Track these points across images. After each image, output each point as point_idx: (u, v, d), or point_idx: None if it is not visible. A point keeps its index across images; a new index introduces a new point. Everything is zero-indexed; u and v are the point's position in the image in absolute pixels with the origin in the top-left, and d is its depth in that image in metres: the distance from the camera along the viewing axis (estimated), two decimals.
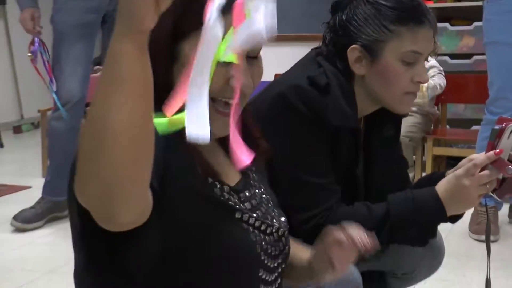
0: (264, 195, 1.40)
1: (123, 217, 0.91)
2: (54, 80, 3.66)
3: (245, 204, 1.31)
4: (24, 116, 7.01)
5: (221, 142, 1.33)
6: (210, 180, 1.25)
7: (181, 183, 1.09)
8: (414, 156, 4.40)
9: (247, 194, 1.34)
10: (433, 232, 1.81)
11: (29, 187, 4.64)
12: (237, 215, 1.27)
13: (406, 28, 1.76)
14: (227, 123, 1.15)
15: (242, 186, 1.34)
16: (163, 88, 1.10)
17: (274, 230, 1.34)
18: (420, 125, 4.32)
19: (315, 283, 1.70)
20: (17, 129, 6.88)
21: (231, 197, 1.28)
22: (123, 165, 0.87)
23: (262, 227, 1.31)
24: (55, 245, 3.55)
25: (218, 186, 1.26)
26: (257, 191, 1.38)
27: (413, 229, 1.75)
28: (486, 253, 1.83)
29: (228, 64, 1.12)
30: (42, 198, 3.76)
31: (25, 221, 3.66)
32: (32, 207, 3.70)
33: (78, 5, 3.51)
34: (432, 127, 4.41)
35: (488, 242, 1.86)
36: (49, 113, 5.06)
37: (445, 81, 4.24)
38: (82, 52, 3.61)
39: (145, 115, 0.88)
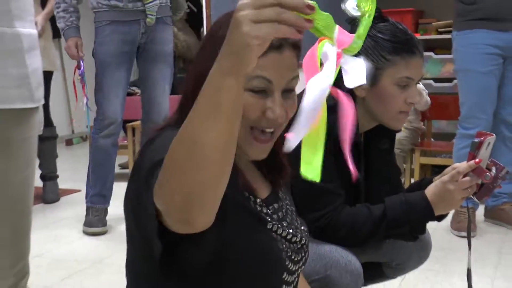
0: (289, 207, 1.40)
1: (200, 222, 0.90)
2: (87, 102, 3.79)
3: (274, 215, 1.31)
4: (74, 131, 7.08)
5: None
6: (246, 193, 1.25)
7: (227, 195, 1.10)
8: (404, 165, 4.41)
9: (276, 206, 1.34)
10: (423, 229, 1.83)
11: (79, 191, 4.66)
12: (269, 226, 1.27)
13: (401, 57, 1.78)
14: (264, 149, 1.21)
15: (272, 199, 1.34)
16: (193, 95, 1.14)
17: (298, 239, 1.34)
18: (409, 138, 4.33)
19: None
20: (68, 142, 6.95)
21: (263, 209, 1.28)
22: (209, 180, 0.86)
23: (288, 237, 1.31)
24: (102, 240, 3.58)
25: (253, 199, 1.26)
26: (283, 203, 1.38)
27: (405, 227, 1.77)
28: (467, 247, 1.85)
29: (265, 96, 1.16)
30: (91, 207, 3.75)
31: (95, 225, 3.68)
32: (95, 216, 3.70)
33: (116, 38, 3.54)
34: (419, 140, 4.42)
35: (469, 237, 1.87)
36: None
37: (428, 99, 4.28)
38: (122, 78, 3.63)
39: (233, 139, 0.86)
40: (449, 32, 4.44)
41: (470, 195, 1.72)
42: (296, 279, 1.36)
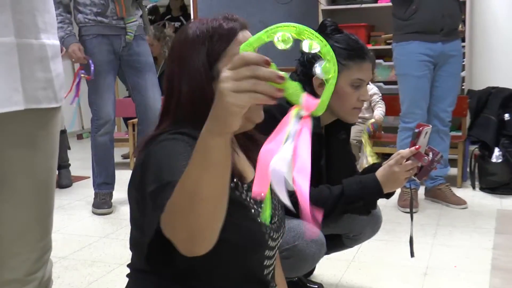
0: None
1: (202, 250, 0.91)
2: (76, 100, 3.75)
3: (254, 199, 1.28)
4: (84, 127, 7.01)
5: (241, 143, 1.32)
6: (235, 180, 1.22)
7: None
8: (359, 153, 4.42)
9: None
10: (374, 205, 1.84)
11: (89, 177, 4.61)
12: (252, 211, 1.24)
13: (354, 62, 1.79)
14: (261, 111, 1.20)
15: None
16: (202, 102, 1.15)
17: (277, 220, 1.32)
18: (364, 131, 4.35)
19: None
20: (79, 136, 6.89)
21: (248, 193, 1.25)
22: (208, 221, 0.87)
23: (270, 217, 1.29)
24: (107, 219, 3.55)
25: (240, 185, 1.23)
26: None
27: (360, 203, 1.78)
28: (410, 220, 1.87)
29: None
30: (99, 193, 3.72)
31: (102, 207, 3.66)
32: (102, 199, 3.68)
33: (103, 48, 3.54)
34: (372, 132, 4.43)
35: (411, 212, 1.89)
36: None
37: (384, 106, 4.32)
38: (111, 83, 3.65)
39: (225, 188, 0.87)
40: (389, 43, 4.50)
41: (412, 175, 1.75)
42: (275, 252, 1.35)
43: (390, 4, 4.54)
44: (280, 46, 0.89)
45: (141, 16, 3.70)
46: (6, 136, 1.14)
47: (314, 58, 1.85)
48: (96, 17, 3.50)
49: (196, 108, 1.17)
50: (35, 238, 1.22)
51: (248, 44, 0.90)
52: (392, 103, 4.42)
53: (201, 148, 0.83)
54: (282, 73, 0.80)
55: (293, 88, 0.86)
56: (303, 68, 1.88)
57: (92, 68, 3.52)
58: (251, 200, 1.26)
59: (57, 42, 1.23)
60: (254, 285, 1.28)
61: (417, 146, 1.71)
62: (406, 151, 1.73)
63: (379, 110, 4.31)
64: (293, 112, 0.88)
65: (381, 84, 4.67)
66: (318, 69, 0.91)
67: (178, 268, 1.17)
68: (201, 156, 0.83)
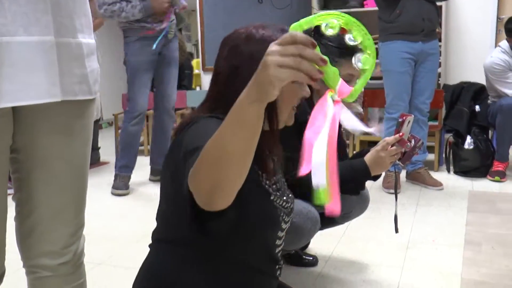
0: (282, 179, 1.37)
1: (219, 206, 0.88)
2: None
3: (274, 186, 1.28)
4: (103, 118, 6.97)
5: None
6: (256, 169, 1.21)
7: None
8: (347, 141, 4.41)
9: (275, 179, 1.30)
10: (362, 186, 1.83)
11: (108, 163, 4.64)
12: (271, 197, 1.24)
13: (345, 59, 1.77)
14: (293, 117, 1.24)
15: (273, 174, 1.30)
16: (228, 96, 1.10)
17: (289, 205, 1.32)
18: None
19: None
20: (98, 127, 6.85)
21: (267, 182, 1.25)
22: (229, 176, 0.84)
23: (283, 204, 1.28)
24: (125, 199, 3.56)
25: (261, 174, 1.23)
26: (279, 176, 1.34)
27: (350, 184, 1.76)
28: (395, 199, 1.85)
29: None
30: (119, 175, 3.70)
31: (121, 188, 3.65)
32: (121, 181, 3.66)
33: (145, 51, 3.48)
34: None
35: (396, 193, 1.88)
36: (120, 117, 5.05)
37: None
38: (147, 80, 3.60)
39: (251, 150, 0.83)
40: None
41: (396, 160, 1.74)
42: (284, 235, 1.34)
43: (375, 8, 4.54)
44: (328, 32, 0.88)
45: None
46: (46, 124, 1.15)
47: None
48: (140, 22, 3.43)
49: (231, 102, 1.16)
50: (71, 216, 1.24)
51: (298, 25, 0.88)
52: (377, 95, 4.41)
53: (237, 109, 0.80)
54: (324, 57, 0.77)
55: (332, 73, 0.85)
56: None
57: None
58: (271, 186, 1.26)
59: (92, 41, 1.23)
60: (267, 261, 1.29)
61: (400, 134, 1.71)
62: (391, 138, 1.72)
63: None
64: (327, 95, 0.87)
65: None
66: (358, 59, 0.91)
67: (201, 241, 1.15)
68: (235, 117, 0.80)
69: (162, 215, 1.26)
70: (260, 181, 1.22)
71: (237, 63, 1.17)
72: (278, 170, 1.35)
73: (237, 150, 0.82)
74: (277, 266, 1.32)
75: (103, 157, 4.82)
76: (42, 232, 1.20)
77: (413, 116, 1.78)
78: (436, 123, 4.21)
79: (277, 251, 1.30)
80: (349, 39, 0.89)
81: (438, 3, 3.59)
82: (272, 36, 1.16)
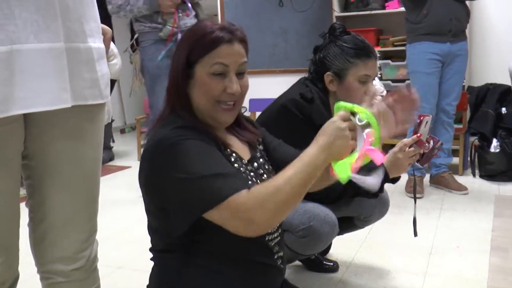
0: (266, 165, 1.35)
1: (267, 230, 1.15)
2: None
3: (253, 173, 1.27)
4: (126, 122, 7.03)
5: (234, 132, 1.33)
6: (228, 151, 1.23)
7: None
8: None
9: (255, 164, 1.30)
10: (382, 188, 1.79)
11: (130, 167, 4.66)
12: (250, 183, 1.22)
13: (360, 60, 1.76)
14: (230, 115, 1.23)
15: (253, 159, 1.30)
16: (180, 94, 1.22)
17: None
18: None
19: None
20: (122, 131, 6.92)
21: (247, 167, 1.25)
22: (292, 205, 1.06)
23: None
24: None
25: (235, 156, 1.24)
26: (261, 160, 1.34)
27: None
28: (414, 202, 1.81)
29: (224, 77, 1.19)
30: None
31: None
32: None
33: (159, 54, 3.30)
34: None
35: (415, 195, 1.84)
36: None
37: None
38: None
39: (305, 191, 1.07)
40: (402, 45, 4.40)
41: (414, 161, 1.70)
42: (280, 233, 1.32)
43: (397, 10, 4.48)
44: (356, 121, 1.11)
45: (195, 16, 3.41)
46: (57, 130, 1.15)
47: (324, 59, 1.81)
48: (151, 24, 3.29)
49: (175, 99, 1.23)
50: (83, 222, 1.23)
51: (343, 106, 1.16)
52: None
53: (315, 164, 1.05)
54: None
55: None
56: (315, 67, 1.85)
57: (189, 4, 3.26)
58: (251, 174, 1.26)
59: (102, 45, 1.23)
60: (262, 251, 1.26)
61: (418, 134, 1.67)
62: (408, 140, 1.68)
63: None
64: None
65: (389, 82, 4.58)
66: (358, 118, 1.11)
67: (195, 242, 1.17)
68: (313, 171, 1.05)
69: (151, 228, 1.27)
70: (236, 166, 1.23)
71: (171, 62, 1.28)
72: (259, 154, 1.35)
73: (304, 193, 1.06)
74: (275, 256, 1.28)
75: (126, 161, 4.85)
76: (54, 238, 1.20)
77: (431, 116, 1.74)
78: (460, 126, 4.12)
79: (269, 238, 1.27)
80: (358, 119, 1.10)
81: (467, 2, 3.50)
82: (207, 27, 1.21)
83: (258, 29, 5.12)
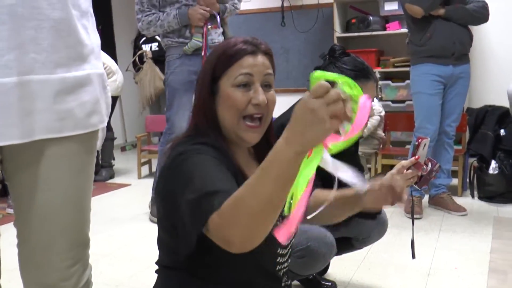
0: None
1: (252, 247, 0.90)
2: None
3: None
4: (127, 140, 7.05)
5: (255, 155, 1.29)
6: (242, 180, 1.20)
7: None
8: (369, 165, 4.37)
9: None
10: (379, 211, 1.80)
11: (130, 185, 4.67)
12: None
13: (359, 82, 1.75)
14: (256, 133, 1.18)
15: None
16: (206, 112, 1.18)
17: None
18: (373, 145, 4.30)
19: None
20: (123, 148, 6.92)
21: None
22: (272, 221, 0.87)
23: (278, 219, 1.25)
24: (145, 221, 3.55)
25: None
26: None
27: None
28: (411, 223, 1.82)
29: (249, 89, 1.16)
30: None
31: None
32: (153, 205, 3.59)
33: (184, 69, 3.30)
34: (382, 146, 4.37)
35: (412, 216, 1.84)
36: (154, 139, 5.13)
37: (374, 121, 4.20)
38: (187, 101, 3.31)
39: (285, 198, 0.85)
40: (402, 66, 4.45)
41: (412, 183, 1.70)
42: (288, 251, 1.31)
43: (397, 31, 4.53)
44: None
45: (222, 33, 3.44)
46: (28, 157, 1.12)
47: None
48: (178, 38, 3.29)
49: (201, 117, 1.20)
50: (64, 249, 1.19)
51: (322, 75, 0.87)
52: (399, 119, 4.38)
53: (279, 164, 0.81)
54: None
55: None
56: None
57: (218, 18, 3.26)
58: None
59: (83, 73, 1.16)
60: (269, 280, 1.26)
61: (416, 157, 1.68)
62: (406, 162, 1.69)
63: (372, 121, 4.22)
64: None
65: (389, 102, 4.62)
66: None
67: (202, 264, 1.15)
68: (279, 171, 0.82)
69: (160, 242, 1.26)
70: None
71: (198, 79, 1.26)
72: None
73: (280, 199, 0.84)
74: (282, 284, 1.28)
75: (126, 179, 4.86)
76: (36, 262, 1.18)
77: (429, 139, 1.75)
78: (459, 147, 4.15)
79: (278, 268, 1.27)
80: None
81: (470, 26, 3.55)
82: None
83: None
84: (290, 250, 1.32)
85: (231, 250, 0.91)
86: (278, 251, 1.25)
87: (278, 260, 1.27)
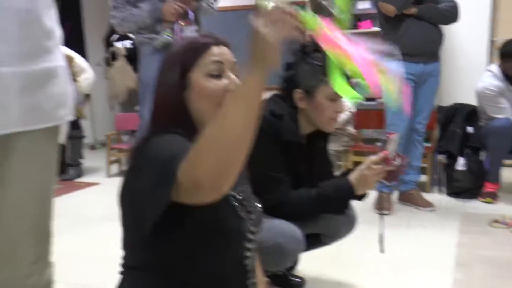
0: (247, 188, 1.35)
1: (225, 188, 0.91)
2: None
3: (239, 197, 1.25)
4: (97, 139, 6.96)
5: None
6: None
7: None
8: (340, 162, 4.40)
9: (239, 189, 1.28)
10: (346, 205, 1.82)
11: (98, 183, 4.61)
12: (237, 209, 1.22)
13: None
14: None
15: (237, 183, 1.26)
16: (177, 109, 1.15)
17: (255, 216, 1.29)
18: (344, 142, 4.34)
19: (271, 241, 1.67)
20: (92, 147, 6.84)
21: (231, 191, 1.23)
22: (240, 154, 0.89)
23: (249, 213, 1.26)
24: None
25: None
26: (244, 186, 1.32)
27: (334, 203, 1.76)
28: (381, 219, 1.84)
29: (221, 78, 1.17)
30: None
31: None
32: None
33: (157, 65, 3.20)
34: (352, 143, 4.41)
35: (381, 212, 1.87)
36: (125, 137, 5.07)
37: (344, 117, 4.25)
38: None
39: (254, 124, 0.90)
40: None
41: (381, 179, 1.73)
42: (255, 245, 1.31)
43: (369, 30, 4.57)
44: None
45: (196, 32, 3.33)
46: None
47: (294, 76, 1.83)
48: (151, 34, 3.22)
49: (170, 114, 1.17)
50: (30, 244, 1.17)
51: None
52: (369, 117, 4.42)
53: (245, 86, 0.90)
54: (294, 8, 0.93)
55: (310, 18, 0.99)
56: (285, 84, 1.88)
57: (192, 15, 3.18)
58: (236, 196, 1.24)
59: (48, 65, 1.13)
60: (236, 273, 1.25)
61: (385, 152, 1.71)
62: (376, 157, 1.72)
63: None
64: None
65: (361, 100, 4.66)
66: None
67: (167, 261, 1.14)
68: (240, 93, 0.90)
69: (125, 242, 1.24)
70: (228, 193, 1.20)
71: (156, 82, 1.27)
72: (242, 179, 1.33)
73: (248, 132, 0.88)
74: (248, 280, 1.28)
75: (95, 178, 4.80)
76: (3, 258, 1.15)
77: (398, 134, 1.78)
78: (429, 145, 4.22)
79: (246, 262, 1.26)
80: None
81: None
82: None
83: (232, 47, 5.16)
84: (256, 245, 1.32)
85: (200, 197, 0.92)
86: (246, 245, 1.25)
87: (246, 254, 1.26)
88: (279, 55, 0.90)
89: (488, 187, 3.77)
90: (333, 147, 4.20)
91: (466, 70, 4.85)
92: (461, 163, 3.92)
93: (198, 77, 1.17)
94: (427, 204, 3.55)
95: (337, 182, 1.77)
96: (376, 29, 3.94)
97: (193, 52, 1.18)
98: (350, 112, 4.32)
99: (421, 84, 3.54)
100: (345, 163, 4.38)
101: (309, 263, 2.44)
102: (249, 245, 1.26)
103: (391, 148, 1.73)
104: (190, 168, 0.90)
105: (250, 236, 1.26)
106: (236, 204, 1.23)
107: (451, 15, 3.51)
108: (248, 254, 1.27)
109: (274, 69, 0.91)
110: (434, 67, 3.55)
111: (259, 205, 1.37)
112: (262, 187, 1.65)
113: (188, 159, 0.91)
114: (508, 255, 2.64)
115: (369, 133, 4.79)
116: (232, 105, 0.89)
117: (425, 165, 4.05)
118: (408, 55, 3.44)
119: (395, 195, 3.74)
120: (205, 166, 0.88)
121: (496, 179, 3.78)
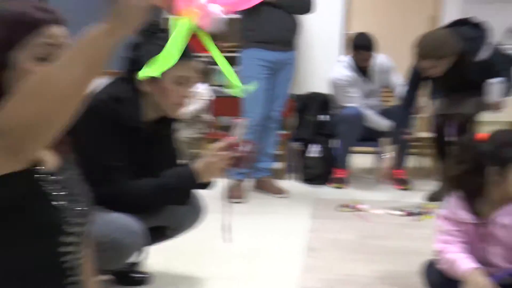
0: (75, 176, 1.18)
1: (29, 151, 0.84)
2: None
3: (59, 185, 1.09)
4: None
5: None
6: (36, 167, 1.04)
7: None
8: (194, 150, 4.33)
9: (62, 177, 1.11)
10: (188, 195, 1.75)
11: None
12: (51, 197, 1.06)
13: (180, 60, 1.67)
14: None
15: (59, 170, 1.11)
16: None
17: (80, 206, 1.13)
18: (198, 129, 4.28)
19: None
20: None
21: (48, 180, 1.06)
22: (60, 115, 0.82)
23: (72, 202, 1.10)
24: None
25: (41, 172, 1.05)
26: (71, 173, 1.16)
27: (175, 192, 1.68)
28: (231, 208, 1.80)
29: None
30: None
31: None
32: None
33: None
34: (210, 130, 4.36)
35: (226, 201, 1.84)
36: None
37: (197, 105, 4.18)
38: None
39: (90, 83, 0.84)
40: (233, 51, 4.45)
41: (229, 165, 1.68)
42: (78, 240, 1.14)
43: (233, 16, 4.52)
44: None
45: None
46: None
47: (139, 57, 1.69)
48: None
49: None
50: None
51: None
52: (227, 104, 4.40)
53: (93, 41, 0.82)
54: None
55: None
56: (129, 66, 1.74)
57: None
58: (54, 184, 1.08)
59: None
60: (51, 272, 1.09)
61: (232, 138, 1.66)
62: (221, 143, 1.66)
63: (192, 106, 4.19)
64: None
65: (218, 87, 4.63)
66: None
67: None
68: (97, 56, 0.83)
69: None
70: (37, 177, 1.04)
71: None
72: (67, 164, 1.17)
73: (76, 81, 0.81)
74: (66, 280, 1.12)
75: None
76: None
77: (246, 119, 1.74)
78: (284, 132, 4.30)
79: (64, 259, 1.10)
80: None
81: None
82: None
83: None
84: (79, 240, 1.16)
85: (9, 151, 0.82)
86: (64, 239, 1.08)
87: (63, 249, 1.10)
88: (142, 19, 0.84)
89: (337, 173, 3.94)
90: (187, 134, 4.10)
91: (321, 60, 5.05)
92: (313, 150, 4.06)
93: (25, 60, 0.99)
94: (280, 191, 3.61)
95: (179, 170, 1.68)
96: (236, 16, 3.89)
97: (23, 28, 0.99)
98: (209, 99, 4.26)
99: (277, 72, 3.58)
100: (200, 150, 4.31)
101: (155, 257, 2.31)
102: (68, 239, 1.10)
103: (238, 133, 1.68)
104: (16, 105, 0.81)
105: (70, 229, 1.09)
106: (51, 191, 1.06)
107: (306, 6, 3.59)
108: (68, 249, 1.11)
109: (127, 34, 0.84)
110: (290, 55, 3.61)
111: (89, 195, 1.21)
112: (97, 176, 1.50)
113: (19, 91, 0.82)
114: (353, 238, 2.76)
115: (226, 120, 4.78)
116: (72, 55, 0.82)
117: (281, 152, 4.13)
118: (265, 43, 3.48)
119: (250, 182, 3.75)
120: (19, 111, 0.79)
121: (344, 165, 3.96)
